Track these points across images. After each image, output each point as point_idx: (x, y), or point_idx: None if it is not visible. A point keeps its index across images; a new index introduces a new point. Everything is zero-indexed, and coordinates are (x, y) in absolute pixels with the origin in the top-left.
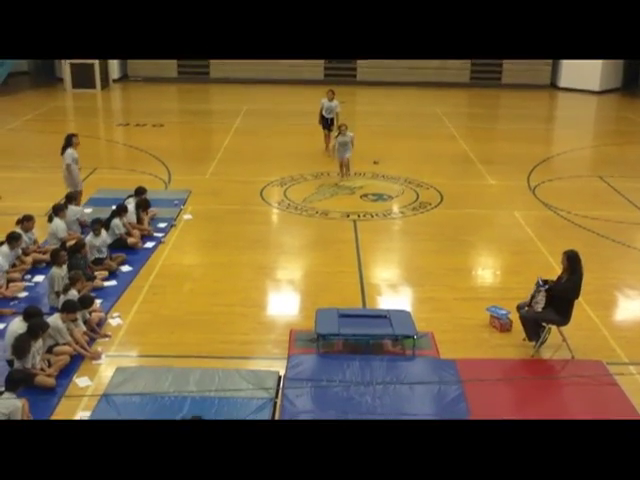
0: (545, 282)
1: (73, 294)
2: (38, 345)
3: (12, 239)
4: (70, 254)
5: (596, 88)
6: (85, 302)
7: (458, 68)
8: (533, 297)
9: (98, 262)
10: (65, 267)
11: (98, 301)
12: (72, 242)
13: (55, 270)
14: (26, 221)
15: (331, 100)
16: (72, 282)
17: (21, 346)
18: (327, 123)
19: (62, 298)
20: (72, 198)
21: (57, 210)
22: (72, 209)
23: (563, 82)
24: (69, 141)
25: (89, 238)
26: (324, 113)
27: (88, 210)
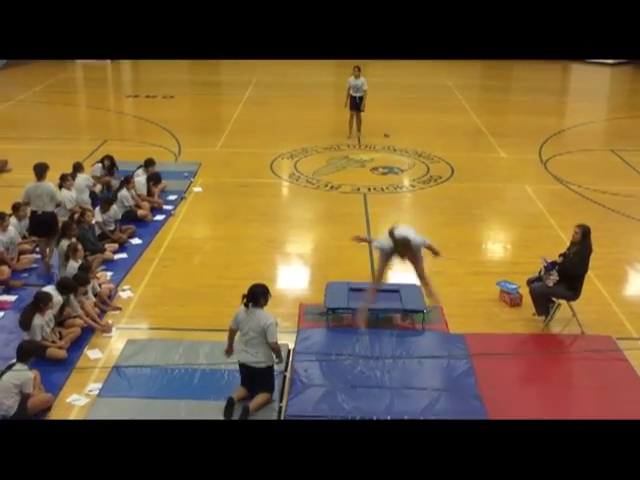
0: (552, 264)
1: (72, 266)
2: (48, 317)
3: (15, 209)
4: (76, 225)
5: (610, 60)
6: (84, 268)
7: None
8: (541, 278)
9: (105, 236)
10: (74, 239)
11: (109, 274)
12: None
13: (64, 242)
14: None
15: (357, 78)
16: (71, 252)
17: (25, 317)
18: (355, 102)
19: (69, 270)
20: (80, 167)
21: (63, 180)
22: (81, 177)
23: None
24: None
25: (97, 213)
26: (352, 92)
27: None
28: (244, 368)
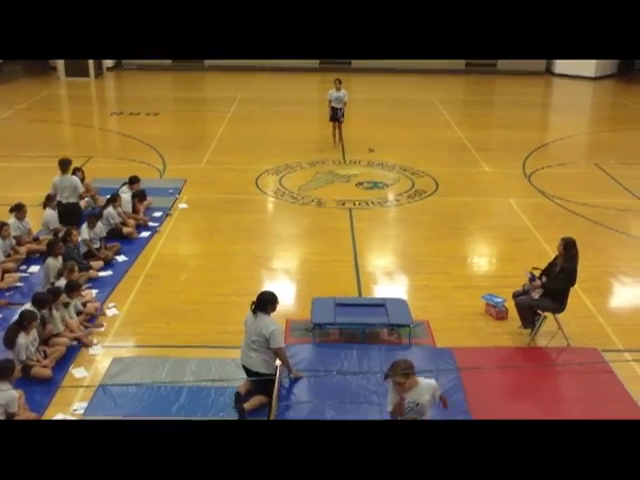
0: (536, 278)
1: (61, 284)
2: (32, 336)
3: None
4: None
5: (592, 74)
6: (72, 286)
7: None
8: (526, 291)
9: (92, 253)
10: (60, 258)
11: (94, 291)
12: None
13: (50, 261)
14: (17, 210)
15: (339, 90)
16: (67, 272)
17: (9, 336)
18: (336, 114)
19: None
20: None
21: (48, 200)
22: None
23: (558, 68)
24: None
25: (83, 230)
26: (333, 104)
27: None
28: (245, 370)
